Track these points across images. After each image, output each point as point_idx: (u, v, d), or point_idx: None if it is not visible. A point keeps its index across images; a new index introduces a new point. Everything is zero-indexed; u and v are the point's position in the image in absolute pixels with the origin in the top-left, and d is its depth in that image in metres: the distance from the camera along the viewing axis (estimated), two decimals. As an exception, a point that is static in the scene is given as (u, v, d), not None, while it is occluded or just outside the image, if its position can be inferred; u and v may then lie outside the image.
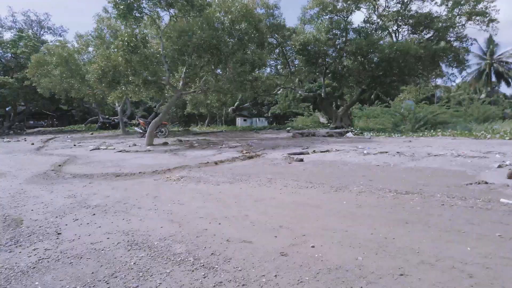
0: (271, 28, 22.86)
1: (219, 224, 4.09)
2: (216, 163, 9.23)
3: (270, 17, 23.46)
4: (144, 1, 14.90)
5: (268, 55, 23.35)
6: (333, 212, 4.46)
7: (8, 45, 30.50)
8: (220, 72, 18.45)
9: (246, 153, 10.93)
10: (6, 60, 31.26)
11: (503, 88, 52.97)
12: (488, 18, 22.01)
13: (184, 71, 16.74)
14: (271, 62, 27.13)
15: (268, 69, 28.07)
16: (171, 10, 15.62)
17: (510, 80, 46.41)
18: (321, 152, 10.62)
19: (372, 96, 32.04)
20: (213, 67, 17.42)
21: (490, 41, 46.31)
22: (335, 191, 5.64)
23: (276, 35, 23.99)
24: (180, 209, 4.81)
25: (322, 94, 26.20)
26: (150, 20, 16.06)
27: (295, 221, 4.09)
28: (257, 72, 21.69)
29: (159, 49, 15.89)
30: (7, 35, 33.44)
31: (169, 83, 16.56)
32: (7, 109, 32.62)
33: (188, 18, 15.76)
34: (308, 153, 10.36)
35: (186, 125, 33.92)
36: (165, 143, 15.81)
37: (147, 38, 16.02)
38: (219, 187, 6.28)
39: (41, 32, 36.40)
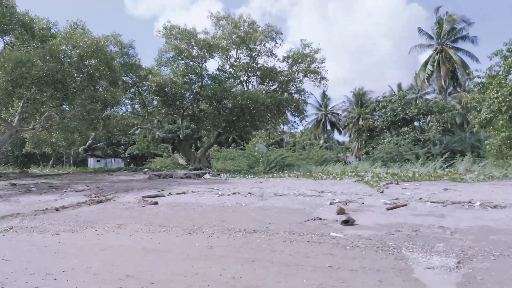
0: (126, 67, 22.32)
1: (55, 279, 3.61)
2: (57, 209, 8.22)
3: (124, 55, 22.97)
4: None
5: (123, 93, 22.57)
6: (185, 255, 4.40)
7: None
8: (67, 109, 16.95)
9: (95, 197, 10.05)
10: None
11: (336, 135, 62.50)
12: (320, 76, 26.05)
13: (21, 105, 14.78)
14: (127, 101, 26.25)
15: (124, 108, 27.05)
16: (6, 37, 13.86)
17: (341, 129, 55.14)
18: (177, 194, 10.51)
19: (230, 139, 33.69)
20: (57, 103, 15.90)
21: (324, 95, 54.69)
22: (188, 234, 5.60)
23: (131, 74, 23.48)
24: (4, 266, 4.07)
25: (181, 136, 26.35)
26: (-20, 46, 13.95)
27: (145, 269, 3.89)
28: (110, 110, 20.65)
29: (-11, 79, 13.76)
30: None
31: (0, 118, 14.32)
32: None
33: (28, 48, 14.20)
34: (164, 196, 10.13)
35: (24, 166, 29.38)
36: (-7, 188, 13.34)
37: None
38: (59, 236, 5.60)
39: None
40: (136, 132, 29.76)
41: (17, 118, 14.83)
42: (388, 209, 7.31)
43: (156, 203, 8.85)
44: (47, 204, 9.07)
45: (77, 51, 15.69)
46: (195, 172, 18.63)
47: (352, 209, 7.39)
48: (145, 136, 35.08)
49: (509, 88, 15.88)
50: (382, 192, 9.91)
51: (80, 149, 33.23)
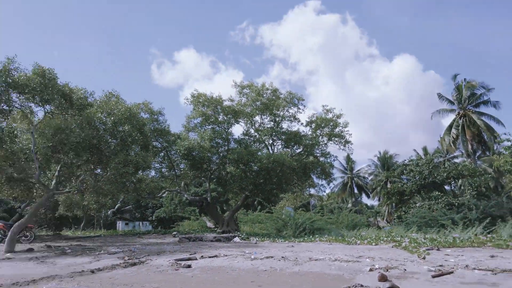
0: (156, 132, 23.23)
1: None
2: (92, 271, 8.20)
3: (154, 122, 23.98)
4: (14, 95, 13.88)
5: (153, 157, 23.22)
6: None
7: None
8: (100, 172, 17.48)
9: (129, 259, 10.00)
10: None
11: (365, 199, 60.73)
12: (344, 140, 26.18)
13: (58, 169, 15.37)
14: (156, 165, 26.88)
15: (153, 172, 27.64)
16: (47, 106, 14.81)
17: (369, 192, 53.83)
18: (210, 257, 10.33)
19: (256, 202, 33.39)
20: (92, 167, 16.45)
21: (349, 159, 54.26)
22: (227, 298, 5.44)
23: (160, 139, 24.33)
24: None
25: (208, 199, 26.42)
26: (21, 114, 14.89)
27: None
28: (141, 174, 21.14)
29: (30, 145, 14.49)
30: None
31: (39, 182, 14.87)
32: None
33: (66, 116, 15.06)
34: (196, 259, 9.97)
35: (57, 228, 29.75)
36: (30, 250, 13.50)
37: (15, 132, 14.53)
38: (97, 299, 5.52)
39: None
40: (164, 195, 30.03)
41: (54, 181, 15.34)
42: (433, 276, 6.93)
43: (189, 266, 8.71)
44: (82, 266, 9.08)
45: (112, 118, 16.49)
46: (225, 235, 18.38)
47: (394, 276, 7.04)
48: (172, 199, 35.25)
49: (541, 149, 15.40)
50: (423, 258, 9.44)
51: (109, 212, 33.61)
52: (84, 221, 33.50)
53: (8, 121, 14.71)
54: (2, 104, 13.53)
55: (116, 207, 33.41)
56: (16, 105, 14.24)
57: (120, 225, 35.69)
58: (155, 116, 24.18)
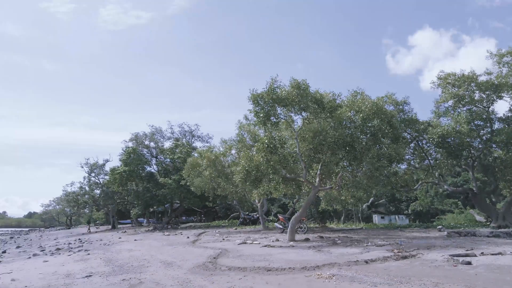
0: (403, 123, 22.39)
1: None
2: (366, 262, 8.68)
3: (400, 112, 23.16)
4: (279, 109, 16.30)
5: (404, 149, 22.48)
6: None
7: (167, 152, 36.35)
8: (355, 168, 18.30)
9: (398, 252, 10.02)
10: (165, 165, 36.85)
11: None
12: None
13: (319, 168, 17.10)
14: (407, 157, 25.89)
15: (404, 164, 26.77)
16: (303, 113, 16.73)
17: None
18: (492, 254, 9.11)
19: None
20: (347, 164, 17.43)
21: None
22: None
23: (409, 129, 23.29)
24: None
25: (474, 189, 23.44)
26: (286, 124, 17.37)
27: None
28: (394, 166, 20.89)
29: (295, 149, 16.73)
30: (167, 144, 39.84)
31: (307, 180, 17.00)
32: (166, 206, 37.64)
33: (320, 119, 16.53)
34: (475, 255, 8.98)
35: (321, 221, 33.59)
36: (307, 239, 15.71)
37: (283, 139, 17.16)
38: (378, 288, 5.80)
39: (192, 140, 42.16)
40: (418, 187, 28.65)
41: (317, 179, 17.17)
42: None
43: (469, 263, 7.94)
44: (354, 256, 9.74)
45: (360, 115, 16.97)
46: (504, 230, 15.77)
47: None
48: (427, 191, 33.14)
49: None
50: None
51: (364, 206, 34.84)
52: (343, 215, 35.99)
53: (277, 131, 17.53)
54: (272, 118, 16.28)
55: (370, 201, 34.26)
56: (281, 117, 16.83)
57: (375, 218, 36.23)
58: (400, 107, 23.52)
